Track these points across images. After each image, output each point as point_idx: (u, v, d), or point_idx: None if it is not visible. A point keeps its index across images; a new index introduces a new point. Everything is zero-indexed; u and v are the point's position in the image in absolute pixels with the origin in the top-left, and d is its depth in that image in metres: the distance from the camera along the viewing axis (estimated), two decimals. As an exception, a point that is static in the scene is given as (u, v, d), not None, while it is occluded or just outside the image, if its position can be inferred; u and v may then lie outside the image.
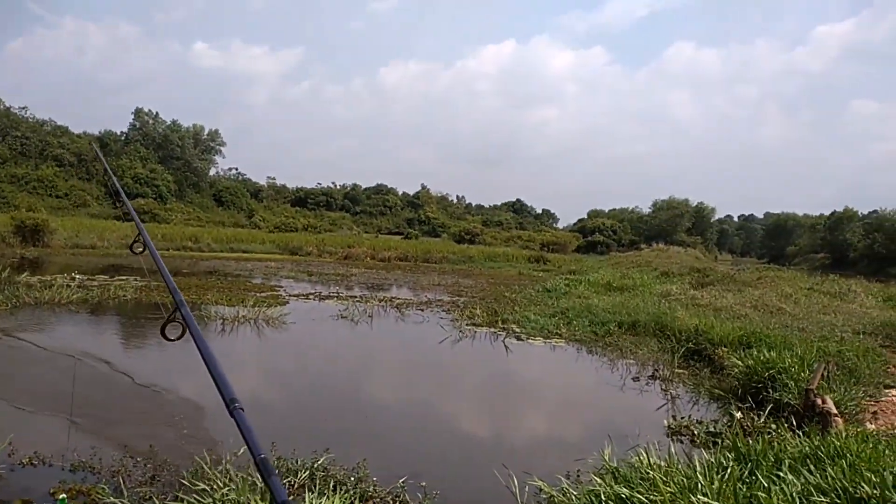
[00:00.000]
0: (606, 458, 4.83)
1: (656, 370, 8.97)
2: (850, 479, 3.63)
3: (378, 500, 4.37)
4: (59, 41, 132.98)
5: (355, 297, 16.38)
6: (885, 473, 3.68)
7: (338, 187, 79.19)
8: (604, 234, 59.45)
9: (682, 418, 6.60)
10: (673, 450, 4.72)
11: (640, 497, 3.66)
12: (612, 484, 4.01)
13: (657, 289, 17.90)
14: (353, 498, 4.08)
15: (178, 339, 1.83)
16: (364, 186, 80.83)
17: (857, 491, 3.48)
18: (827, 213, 63.65)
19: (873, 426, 6.23)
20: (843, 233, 57.03)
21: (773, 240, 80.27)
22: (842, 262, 52.15)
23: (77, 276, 15.74)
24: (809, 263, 54.18)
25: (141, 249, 2.35)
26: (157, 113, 61.21)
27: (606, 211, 72.92)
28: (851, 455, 4.10)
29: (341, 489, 4.35)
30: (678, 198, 67.06)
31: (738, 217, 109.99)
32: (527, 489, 4.46)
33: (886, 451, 4.26)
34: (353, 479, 4.60)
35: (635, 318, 12.05)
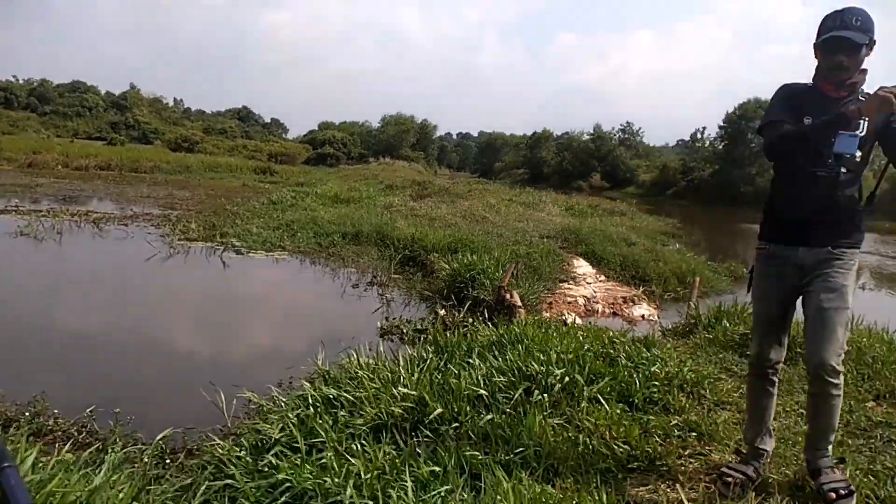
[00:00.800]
0: (320, 364, 4.89)
1: (375, 277, 9.36)
2: (523, 359, 4.20)
3: (60, 433, 3.87)
4: None
5: (41, 210, 13.98)
6: (550, 353, 4.33)
7: (21, 82, 65.69)
8: (334, 147, 59.25)
9: (394, 319, 7.01)
10: (382, 349, 4.96)
11: (347, 395, 3.77)
12: (322, 386, 4.08)
13: (381, 201, 18.54)
14: (25, 433, 3.52)
15: None
16: (56, 83, 68.33)
17: (529, 369, 4.04)
18: (529, 133, 71.64)
19: (548, 314, 7.33)
20: (540, 151, 64.95)
21: (484, 156, 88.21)
22: (538, 176, 59.55)
23: None
24: (512, 178, 60.85)
25: None
26: None
27: (337, 124, 72.56)
28: (527, 340, 4.74)
29: (13, 426, 3.75)
30: (405, 114, 69.47)
31: (457, 135, 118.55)
32: (234, 402, 4.32)
33: (554, 335, 5.01)
34: (27, 414, 3.99)
35: (359, 229, 12.33)
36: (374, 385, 3.87)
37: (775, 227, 2.90)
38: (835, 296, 2.69)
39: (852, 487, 2.68)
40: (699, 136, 48.03)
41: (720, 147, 43.01)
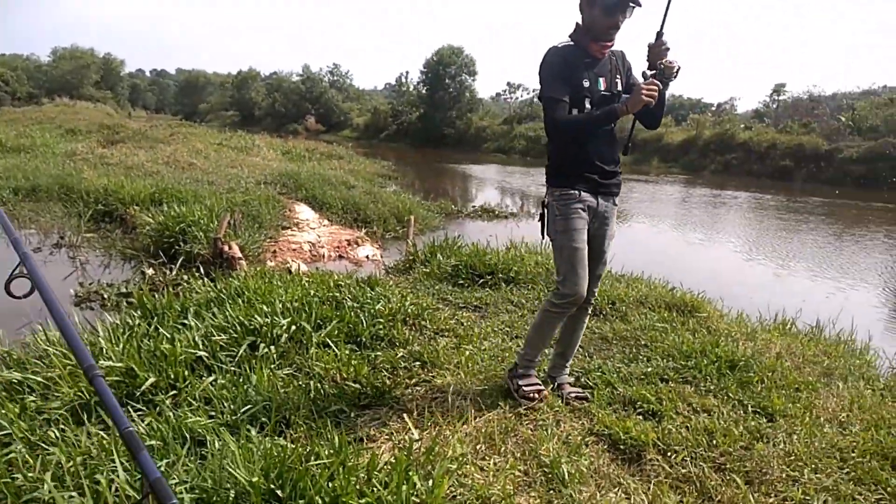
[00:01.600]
0: (-3, 346, 4.08)
1: (62, 237, 8.06)
2: (246, 313, 4.00)
3: None
4: None
5: None
6: (275, 303, 4.20)
7: None
8: (-10, 85, 48.74)
9: (91, 284, 6.14)
10: (77, 319, 4.32)
11: (35, 378, 3.22)
12: (2, 371, 3.42)
13: (62, 148, 15.97)
14: None
15: (26, 296, 1.55)
16: None
17: (252, 322, 3.87)
18: (234, 71, 67.12)
19: (273, 264, 7.12)
20: (248, 92, 61.51)
21: (186, 96, 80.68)
22: (250, 119, 56.55)
23: None
24: (221, 120, 56.91)
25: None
26: None
27: (-8, 57, 59.41)
28: (249, 292, 4.53)
29: None
30: (82, 47, 59.77)
31: (151, 72, 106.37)
32: None
33: (278, 284, 4.87)
34: None
35: (35, 183, 10.46)
36: (68, 361, 3.36)
37: (579, 178, 3.02)
38: (612, 242, 3.20)
39: (588, 394, 3.30)
40: (404, 80, 50.13)
41: (424, 91, 45.35)
